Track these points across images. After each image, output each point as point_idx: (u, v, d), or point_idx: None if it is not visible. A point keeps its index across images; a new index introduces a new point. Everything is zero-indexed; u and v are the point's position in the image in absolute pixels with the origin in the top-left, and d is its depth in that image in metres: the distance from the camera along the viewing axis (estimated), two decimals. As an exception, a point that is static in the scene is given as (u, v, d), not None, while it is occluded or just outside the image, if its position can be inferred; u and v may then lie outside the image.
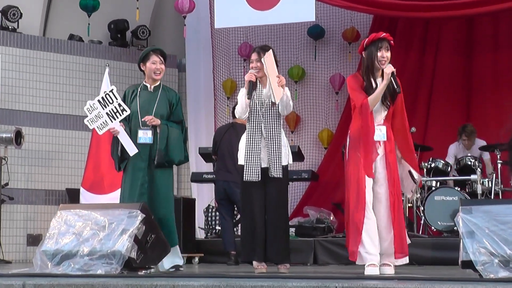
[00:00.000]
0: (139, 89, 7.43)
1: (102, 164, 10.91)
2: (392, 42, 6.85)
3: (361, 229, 6.62)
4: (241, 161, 7.35)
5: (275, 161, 7.19)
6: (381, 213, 6.75)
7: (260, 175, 7.21)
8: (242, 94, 7.33)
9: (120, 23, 13.04)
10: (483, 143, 11.10)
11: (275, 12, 10.96)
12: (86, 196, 10.90)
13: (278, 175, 7.18)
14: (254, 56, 7.39)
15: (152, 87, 7.41)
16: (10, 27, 11.92)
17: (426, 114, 12.27)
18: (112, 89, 7.31)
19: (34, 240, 11.47)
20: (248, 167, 7.24)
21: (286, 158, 7.32)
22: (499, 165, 10.41)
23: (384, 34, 6.84)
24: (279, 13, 10.96)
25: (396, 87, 6.70)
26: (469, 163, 10.69)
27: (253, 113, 7.31)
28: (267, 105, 7.29)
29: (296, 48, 13.06)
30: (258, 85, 7.35)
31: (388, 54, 6.80)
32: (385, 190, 6.75)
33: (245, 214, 7.46)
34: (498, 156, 10.41)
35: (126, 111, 7.24)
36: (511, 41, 12.02)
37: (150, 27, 13.30)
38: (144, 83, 7.46)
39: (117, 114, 7.25)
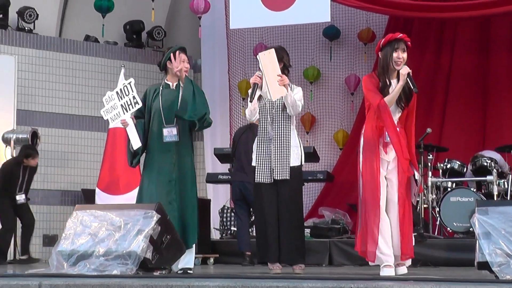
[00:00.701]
0: (161, 88, 7.40)
1: (117, 164, 10.94)
2: (409, 43, 6.82)
3: (378, 230, 6.61)
4: (254, 162, 7.38)
5: (280, 162, 7.21)
6: (394, 214, 6.73)
7: (272, 177, 7.23)
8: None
9: (136, 24, 13.08)
10: (489, 153, 11.01)
11: (290, 13, 10.96)
12: (101, 197, 10.93)
13: (283, 177, 7.20)
14: None
15: (174, 85, 7.39)
16: (26, 28, 11.98)
17: (441, 114, 12.24)
18: (131, 81, 7.30)
19: (50, 240, 11.51)
20: (259, 168, 7.26)
21: (298, 159, 7.31)
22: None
23: (401, 35, 6.80)
24: (294, 13, 10.96)
25: (413, 87, 6.68)
26: (485, 164, 10.65)
27: (263, 114, 7.33)
28: (277, 106, 7.29)
29: (311, 48, 13.05)
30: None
31: (405, 55, 6.76)
32: (396, 191, 6.73)
33: (257, 216, 7.48)
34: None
35: (138, 104, 7.22)
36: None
37: (166, 28, 13.33)
38: (166, 81, 7.42)
39: (130, 106, 7.25)
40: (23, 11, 11.94)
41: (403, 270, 6.75)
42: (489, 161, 10.63)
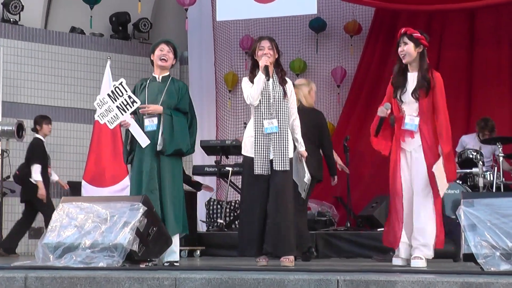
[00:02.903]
0: (148, 81, 7.43)
1: (103, 157, 10.90)
2: (415, 35, 7.05)
3: (401, 222, 6.87)
4: (244, 151, 7.34)
5: (280, 153, 7.20)
6: (417, 204, 6.89)
7: (269, 169, 7.21)
8: (248, 83, 7.33)
9: (122, 15, 13.03)
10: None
11: (277, 5, 10.97)
12: (87, 189, 10.89)
13: (284, 168, 7.19)
14: (266, 43, 7.35)
15: (161, 77, 7.41)
16: (11, 19, 11.93)
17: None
18: (122, 82, 7.27)
19: (36, 233, 11.47)
20: (259, 160, 7.22)
21: (292, 151, 7.31)
22: (501, 159, 10.40)
23: (401, 30, 7.11)
24: (281, 6, 10.96)
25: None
26: (471, 156, 10.69)
27: (261, 104, 7.30)
28: (279, 97, 7.28)
29: (297, 41, 13.05)
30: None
31: (406, 47, 7.03)
32: (421, 181, 6.89)
33: (245, 207, 7.43)
34: (500, 149, 10.40)
35: (136, 103, 7.21)
36: (513, 34, 12.02)
37: (152, 20, 13.29)
38: (153, 74, 7.46)
39: (128, 106, 7.22)
40: (8, 2, 11.88)
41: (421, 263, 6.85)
42: (475, 154, 10.67)
